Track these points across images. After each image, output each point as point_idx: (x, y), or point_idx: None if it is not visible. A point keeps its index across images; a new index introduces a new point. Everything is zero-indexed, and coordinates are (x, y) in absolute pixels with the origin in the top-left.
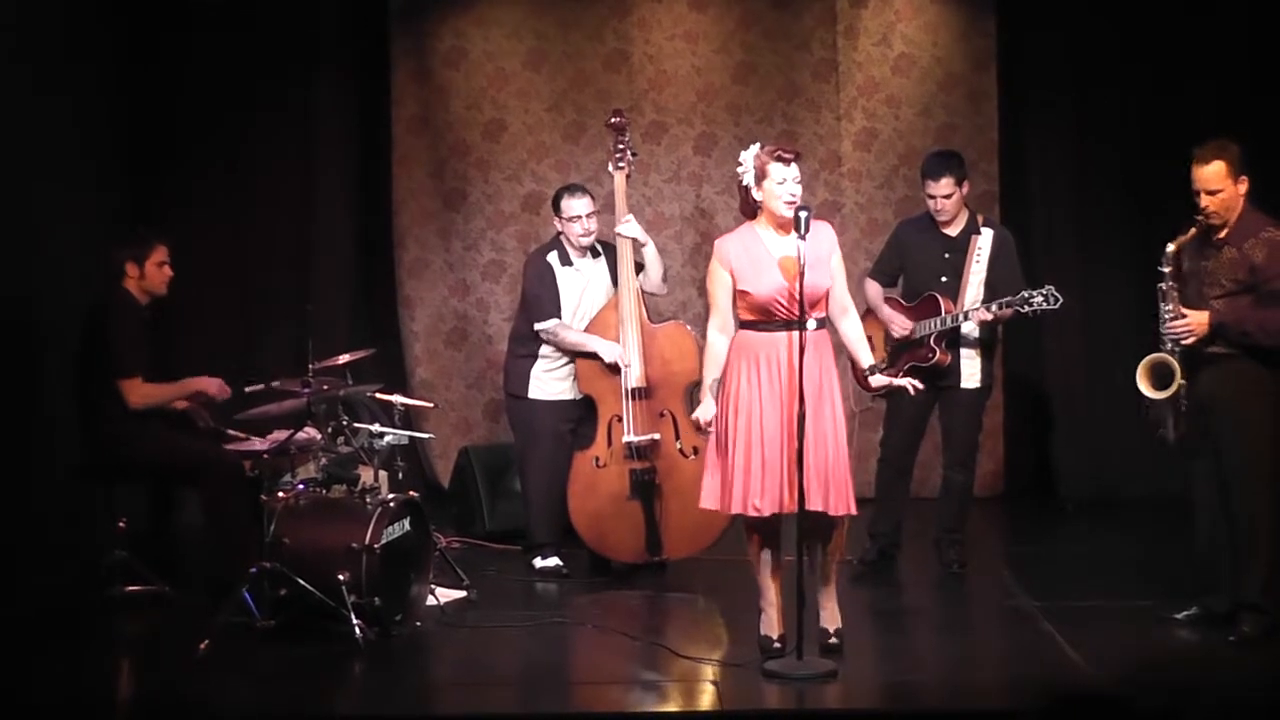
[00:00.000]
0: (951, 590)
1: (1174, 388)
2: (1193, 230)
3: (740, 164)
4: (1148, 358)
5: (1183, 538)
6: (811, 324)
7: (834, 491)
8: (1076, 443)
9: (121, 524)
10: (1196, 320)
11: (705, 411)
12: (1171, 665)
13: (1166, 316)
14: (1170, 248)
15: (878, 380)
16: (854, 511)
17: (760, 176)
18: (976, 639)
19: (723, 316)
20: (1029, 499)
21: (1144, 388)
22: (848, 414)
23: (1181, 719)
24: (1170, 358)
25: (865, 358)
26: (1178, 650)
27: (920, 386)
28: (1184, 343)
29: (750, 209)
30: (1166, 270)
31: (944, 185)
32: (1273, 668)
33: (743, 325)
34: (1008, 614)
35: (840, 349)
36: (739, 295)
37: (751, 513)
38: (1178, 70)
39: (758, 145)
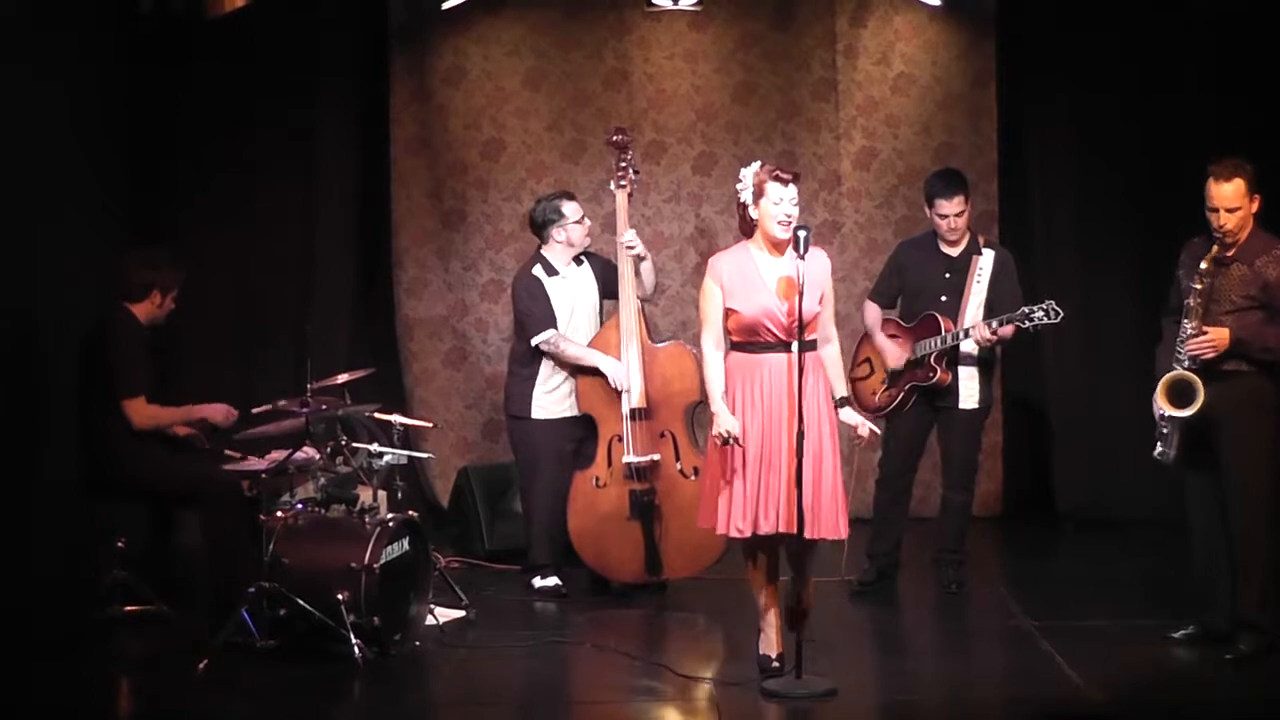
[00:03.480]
0: (950, 610)
1: (1197, 406)
2: (1216, 248)
3: (740, 181)
4: (1167, 375)
5: (1182, 556)
6: (796, 346)
7: (815, 516)
8: (1076, 462)
9: (121, 543)
10: (1218, 336)
11: (725, 423)
12: (1169, 684)
13: (1189, 332)
14: (1204, 265)
15: (846, 413)
16: (842, 535)
17: (758, 195)
18: (975, 659)
19: (715, 332)
20: (1028, 518)
21: (1165, 407)
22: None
23: None
24: (1193, 376)
25: (840, 388)
26: (1176, 669)
27: (877, 431)
28: (1203, 358)
29: (748, 227)
30: (1198, 287)
31: (957, 203)
32: (1270, 686)
33: (732, 346)
34: (1006, 634)
35: None
36: (728, 313)
37: (734, 534)
38: (1178, 86)
39: (758, 163)
